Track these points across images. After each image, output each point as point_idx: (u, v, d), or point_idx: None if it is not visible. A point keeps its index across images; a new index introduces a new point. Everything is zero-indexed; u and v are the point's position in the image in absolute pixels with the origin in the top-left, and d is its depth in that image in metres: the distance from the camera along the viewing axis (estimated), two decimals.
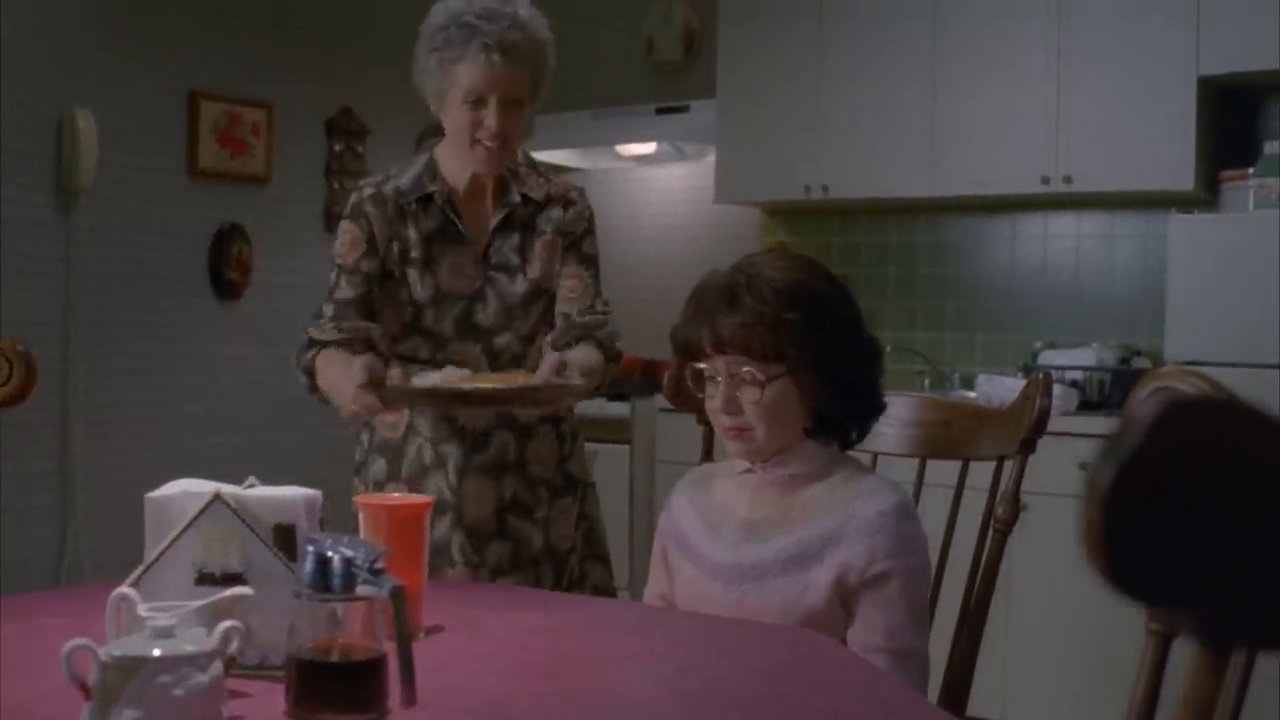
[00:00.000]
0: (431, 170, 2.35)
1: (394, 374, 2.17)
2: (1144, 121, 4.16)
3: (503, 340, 2.35)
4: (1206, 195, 4.21)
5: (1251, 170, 4.06)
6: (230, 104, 4.65)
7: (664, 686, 1.50)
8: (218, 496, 1.45)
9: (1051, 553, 3.71)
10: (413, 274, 2.32)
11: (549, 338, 2.35)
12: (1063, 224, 4.74)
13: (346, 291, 2.33)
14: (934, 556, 2.03)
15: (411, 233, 2.33)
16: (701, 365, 1.87)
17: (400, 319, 2.34)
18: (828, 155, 4.80)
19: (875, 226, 5.13)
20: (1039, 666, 4.02)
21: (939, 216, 4.97)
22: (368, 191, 2.35)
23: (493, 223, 2.35)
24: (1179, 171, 4.12)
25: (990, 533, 1.99)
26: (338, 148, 5.02)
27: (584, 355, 2.25)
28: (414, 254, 2.32)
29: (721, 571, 1.87)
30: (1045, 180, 4.36)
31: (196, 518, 1.44)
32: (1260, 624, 0.71)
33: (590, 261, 2.41)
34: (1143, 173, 4.19)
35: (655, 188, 5.72)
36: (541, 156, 5.60)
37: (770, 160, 4.94)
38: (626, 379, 4.79)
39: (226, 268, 4.66)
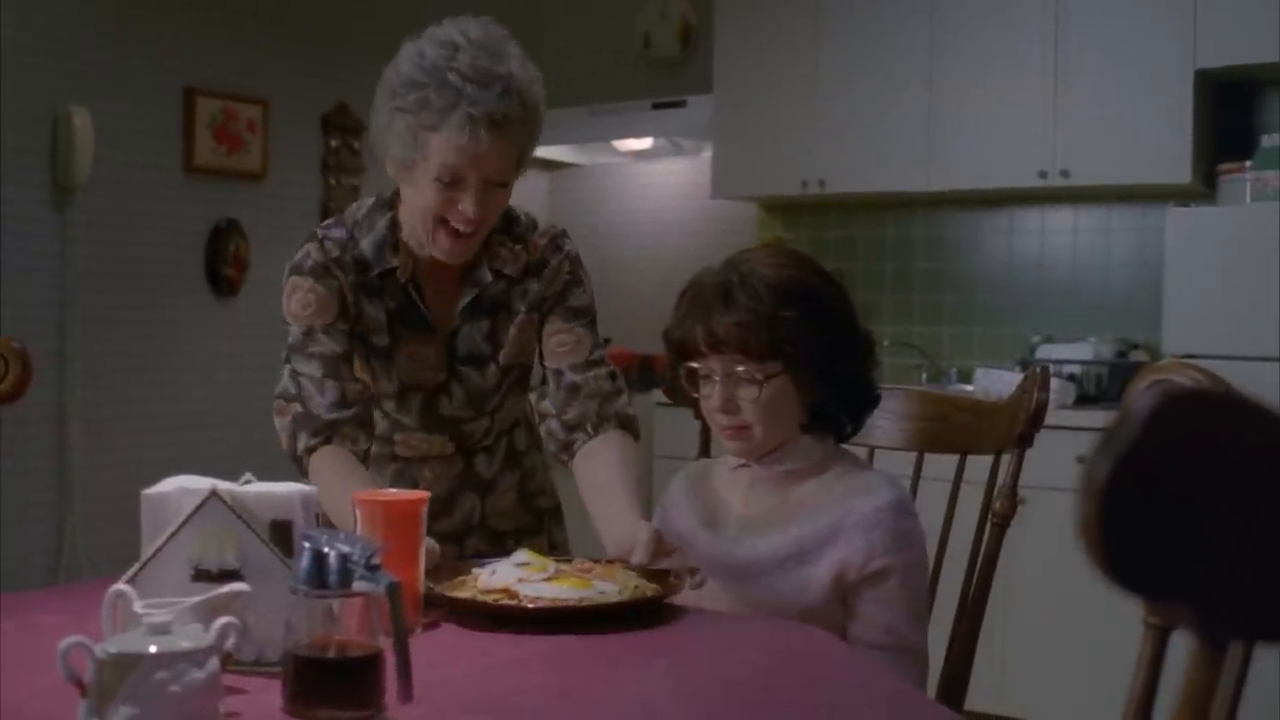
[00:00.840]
0: (394, 239, 2.00)
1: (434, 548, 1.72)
2: (1141, 115, 4.17)
3: (471, 427, 2.11)
4: (1204, 188, 4.21)
5: (1249, 163, 4.06)
6: (226, 100, 4.64)
7: (661, 681, 1.50)
8: (214, 493, 1.44)
9: (1049, 547, 3.71)
10: (376, 365, 2.04)
11: (546, 402, 2.07)
12: (1060, 218, 4.74)
13: (332, 346, 1.97)
14: (932, 551, 2.03)
15: (377, 313, 2.01)
16: (696, 365, 1.86)
17: None
18: (825, 150, 4.80)
19: (872, 221, 5.13)
20: (1037, 660, 4.02)
21: (936, 211, 4.97)
22: (334, 254, 1.99)
23: (459, 305, 2.03)
24: (1176, 165, 4.12)
25: (988, 526, 1.99)
26: (334, 144, 5.02)
27: (628, 468, 1.96)
28: (376, 340, 2.02)
29: (719, 568, 1.86)
30: (1042, 174, 4.36)
31: (193, 514, 1.44)
32: (1258, 616, 0.71)
33: (579, 314, 2.07)
34: (1140, 166, 4.19)
35: (652, 183, 5.72)
36: (538, 152, 5.61)
37: (767, 155, 4.94)
38: (623, 374, 4.79)
39: (223, 264, 4.65)
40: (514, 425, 2.22)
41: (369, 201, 2.06)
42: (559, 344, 2.05)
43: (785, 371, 1.81)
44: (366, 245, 2.00)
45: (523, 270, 2.06)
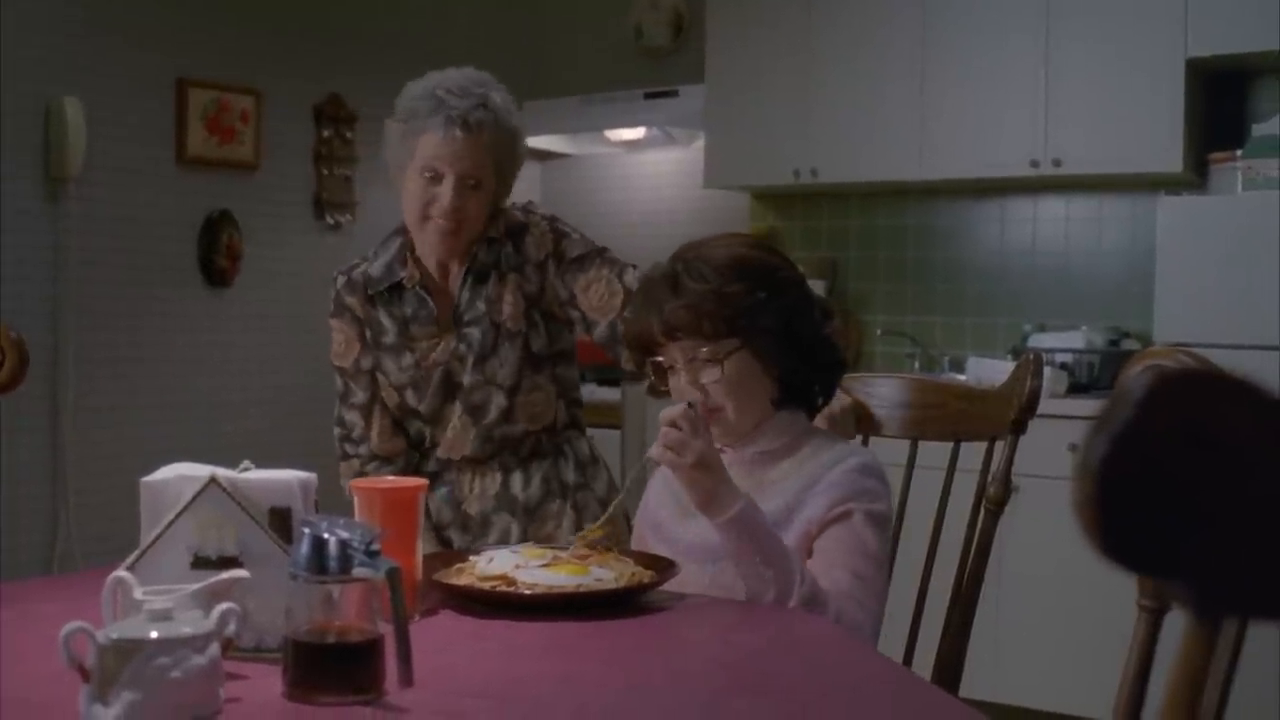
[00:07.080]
0: (404, 256, 2.30)
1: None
2: (1132, 104, 4.17)
3: (481, 396, 2.27)
4: (1195, 177, 4.22)
5: (1240, 152, 4.07)
6: (219, 91, 4.63)
7: (657, 667, 1.51)
8: (213, 480, 1.45)
9: (1042, 534, 3.72)
10: (388, 360, 2.30)
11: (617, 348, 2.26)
12: (1052, 207, 4.75)
13: (361, 396, 2.34)
14: (926, 537, 2.05)
15: (384, 318, 2.30)
16: (660, 358, 1.88)
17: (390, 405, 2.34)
18: (817, 139, 4.80)
19: (865, 210, 5.13)
20: (1030, 647, 4.03)
21: (928, 200, 4.98)
22: (341, 282, 2.33)
23: (458, 283, 2.28)
24: (1167, 154, 4.13)
25: (981, 513, 2.00)
26: (326, 134, 5.01)
27: None
28: (388, 339, 2.30)
29: (695, 551, 1.87)
30: (1034, 163, 4.36)
31: (192, 501, 1.44)
32: (1252, 593, 0.72)
33: (586, 259, 2.28)
34: (1131, 155, 4.20)
35: (644, 173, 5.72)
36: (530, 142, 5.63)
37: (759, 145, 4.94)
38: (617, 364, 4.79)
39: (216, 255, 4.65)
40: (558, 454, 2.34)
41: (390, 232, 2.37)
42: (596, 295, 2.27)
43: (744, 346, 1.83)
44: (378, 265, 2.32)
45: (503, 232, 2.29)
